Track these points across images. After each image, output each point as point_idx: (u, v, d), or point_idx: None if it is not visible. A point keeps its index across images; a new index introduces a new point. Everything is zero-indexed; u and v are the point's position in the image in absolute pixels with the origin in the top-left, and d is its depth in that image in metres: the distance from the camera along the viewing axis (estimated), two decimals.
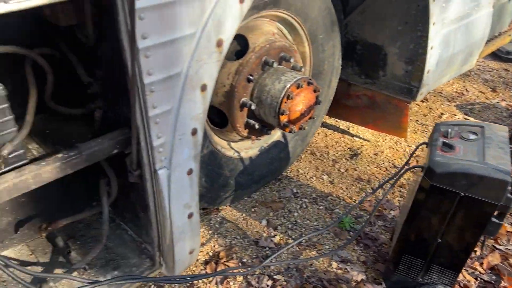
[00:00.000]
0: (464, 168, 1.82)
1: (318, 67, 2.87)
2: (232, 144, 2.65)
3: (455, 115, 3.98)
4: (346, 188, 3.05)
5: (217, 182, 2.56)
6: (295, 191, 3.00)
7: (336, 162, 3.32)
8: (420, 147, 2.24)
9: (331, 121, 3.82)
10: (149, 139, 1.46)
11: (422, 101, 4.18)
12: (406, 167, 2.19)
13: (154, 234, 1.72)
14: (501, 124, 2.12)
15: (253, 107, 2.36)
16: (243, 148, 2.74)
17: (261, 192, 2.99)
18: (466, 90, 4.46)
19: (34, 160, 1.39)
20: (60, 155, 1.37)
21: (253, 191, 2.95)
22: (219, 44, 1.50)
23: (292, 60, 2.45)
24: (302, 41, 2.70)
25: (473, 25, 3.16)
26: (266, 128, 2.58)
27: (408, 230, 2.06)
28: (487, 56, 4.59)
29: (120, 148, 1.51)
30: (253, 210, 2.84)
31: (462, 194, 1.84)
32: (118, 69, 1.42)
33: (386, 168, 3.25)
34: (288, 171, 3.18)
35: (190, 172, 1.64)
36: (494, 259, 2.47)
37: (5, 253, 1.87)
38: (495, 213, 1.85)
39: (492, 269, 2.43)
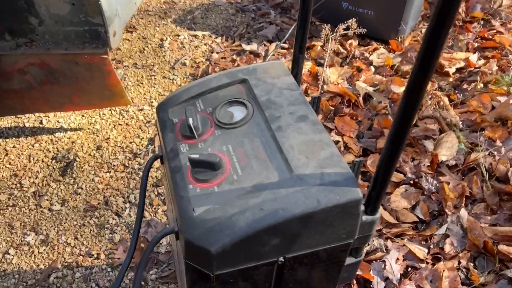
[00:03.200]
0: (266, 217, 0.73)
1: None
2: None
3: (178, 35, 2.91)
4: (76, 239, 1.74)
5: None
6: None
7: (40, 196, 1.91)
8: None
9: (6, 122, 2.26)
10: None
11: (128, 32, 2.94)
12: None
13: None
14: (275, 61, 1.13)
15: None
16: None
17: None
18: None
19: None
20: None
21: None
22: None
23: None
24: None
25: None
26: None
27: None
28: None
29: None
30: None
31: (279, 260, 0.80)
32: None
33: (125, 165, 2.02)
34: None
35: None
36: None
37: None
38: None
39: None
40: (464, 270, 1.61)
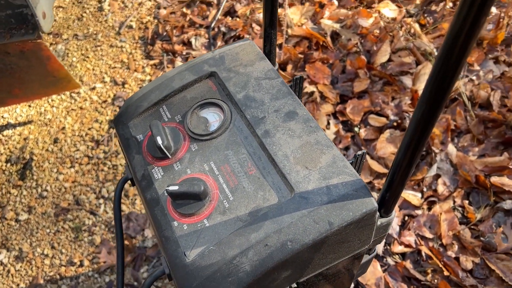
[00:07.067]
0: (274, 254, 0.62)
1: None
2: None
3: None
4: (53, 248, 1.61)
5: None
6: None
7: (2, 206, 1.73)
8: None
9: None
10: None
11: None
12: None
13: None
14: (243, 41, 1.14)
15: None
16: None
17: None
18: None
19: None
20: None
21: None
22: None
23: None
24: None
25: None
26: None
27: None
28: None
29: None
30: None
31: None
32: None
33: (89, 156, 1.85)
34: None
35: None
36: None
37: None
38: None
39: None
40: (459, 208, 1.59)
